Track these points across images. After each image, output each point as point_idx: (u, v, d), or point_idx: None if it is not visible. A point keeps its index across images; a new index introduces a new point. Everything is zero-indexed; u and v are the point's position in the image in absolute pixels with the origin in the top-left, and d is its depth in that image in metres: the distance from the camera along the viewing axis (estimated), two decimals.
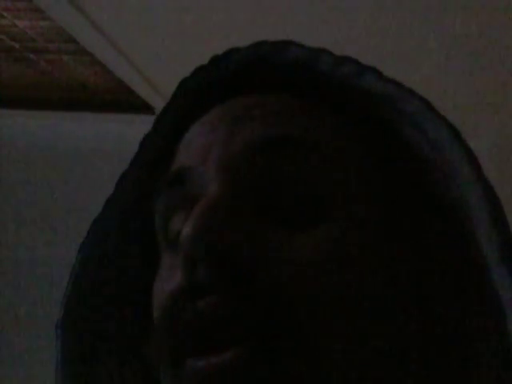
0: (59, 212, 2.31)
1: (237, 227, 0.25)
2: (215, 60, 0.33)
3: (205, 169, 0.28)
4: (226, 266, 0.24)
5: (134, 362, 0.35)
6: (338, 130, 0.30)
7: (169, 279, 0.28)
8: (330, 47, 1.51)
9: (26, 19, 1.49)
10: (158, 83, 1.84)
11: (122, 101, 2.13)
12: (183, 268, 0.25)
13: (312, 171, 0.27)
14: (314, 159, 0.28)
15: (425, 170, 0.30)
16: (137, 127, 2.27)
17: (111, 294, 0.35)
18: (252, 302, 0.24)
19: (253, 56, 0.33)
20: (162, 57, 1.64)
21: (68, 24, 1.43)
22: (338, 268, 0.26)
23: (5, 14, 1.46)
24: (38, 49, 1.70)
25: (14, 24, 1.52)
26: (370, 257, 0.27)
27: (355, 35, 1.42)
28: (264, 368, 0.23)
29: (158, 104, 2.03)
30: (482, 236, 0.27)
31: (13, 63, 1.83)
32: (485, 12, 1.28)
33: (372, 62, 1.57)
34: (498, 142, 2.18)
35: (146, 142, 0.34)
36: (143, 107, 2.13)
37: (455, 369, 0.29)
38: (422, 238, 0.31)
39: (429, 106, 0.29)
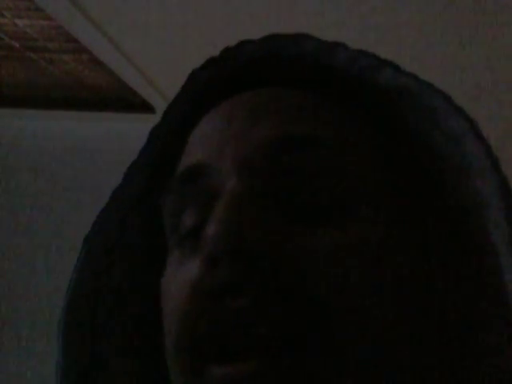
0: (59, 212, 2.31)
1: (262, 226, 0.24)
2: (227, 52, 0.33)
3: (221, 164, 0.27)
4: (254, 266, 0.23)
5: (136, 362, 0.34)
6: (351, 127, 0.30)
7: (185, 278, 0.26)
8: None
9: (26, 18, 1.49)
10: (159, 82, 1.84)
11: (122, 100, 2.13)
12: (206, 267, 0.24)
13: (331, 169, 0.27)
14: (332, 157, 0.27)
15: (438, 163, 0.30)
16: (137, 127, 2.27)
17: (114, 289, 0.34)
18: (282, 304, 0.23)
19: (265, 49, 0.32)
20: (163, 56, 1.64)
21: (68, 23, 1.43)
22: (362, 265, 0.25)
23: (5, 13, 1.46)
24: (38, 48, 1.69)
25: (14, 23, 1.52)
26: (389, 253, 0.27)
27: (354, 35, 1.42)
28: (296, 373, 0.22)
29: (159, 103, 2.02)
30: (491, 223, 0.26)
31: (13, 62, 1.83)
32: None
33: None
34: (498, 141, 2.18)
35: (154, 134, 0.33)
36: (143, 106, 2.13)
37: (461, 357, 0.28)
38: (433, 229, 0.30)
39: (448, 100, 0.28)
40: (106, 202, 0.33)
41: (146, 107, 2.13)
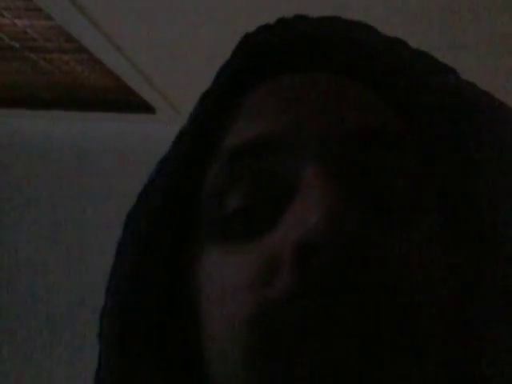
0: (59, 211, 2.30)
1: (359, 220, 0.22)
2: (283, 22, 0.30)
3: (299, 141, 0.25)
4: (359, 261, 0.21)
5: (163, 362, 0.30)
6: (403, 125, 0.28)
7: (244, 265, 0.24)
8: None
9: (25, 18, 1.49)
10: (159, 82, 1.84)
11: (122, 100, 2.13)
12: (298, 256, 0.21)
13: (409, 169, 0.26)
14: (410, 156, 0.26)
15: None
16: (137, 127, 2.27)
17: (148, 284, 0.30)
18: (376, 306, 0.22)
19: (321, 29, 0.30)
20: (163, 56, 1.64)
21: (68, 23, 1.42)
22: (438, 271, 0.24)
23: (5, 13, 1.45)
24: (38, 48, 1.69)
25: (14, 23, 1.52)
26: (446, 254, 0.26)
27: None
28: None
29: (159, 103, 2.02)
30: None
31: (13, 62, 1.83)
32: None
33: None
34: None
35: (205, 98, 0.29)
36: (143, 107, 2.13)
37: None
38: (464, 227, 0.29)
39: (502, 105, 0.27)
40: (137, 197, 0.30)
41: (146, 107, 2.13)
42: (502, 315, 0.27)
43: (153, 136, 2.18)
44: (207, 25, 1.42)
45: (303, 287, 0.22)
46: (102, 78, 1.92)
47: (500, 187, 0.27)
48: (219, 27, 1.42)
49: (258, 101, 0.28)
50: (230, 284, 0.24)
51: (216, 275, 0.25)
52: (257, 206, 0.25)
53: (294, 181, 0.24)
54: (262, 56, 0.31)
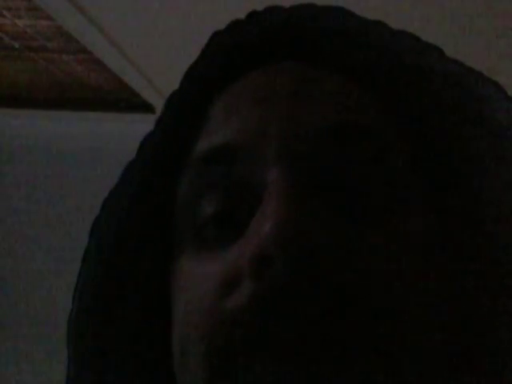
0: (59, 211, 2.30)
1: (320, 225, 0.22)
2: (253, 16, 0.29)
3: (263, 149, 0.24)
4: (310, 271, 0.21)
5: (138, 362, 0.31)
6: (386, 116, 0.27)
7: (214, 271, 0.24)
8: None
9: (25, 18, 1.49)
10: (159, 82, 1.84)
11: (122, 100, 2.13)
12: (255, 267, 0.21)
13: (382, 165, 0.25)
14: (383, 151, 0.25)
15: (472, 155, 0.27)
16: (137, 127, 2.27)
17: (122, 284, 0.31)
18: (346, 308, 0.21)
19: (295, 18, 0.28)
20: (163, 56, 1.64)
21: (68, 23, 1.42)
22: (413, 266, 0.23)
23: (5, 12, 1.45)
24: (38, 48, 1.69)
25: (14, 23, 1.52)
26: (429, 250, 0.25)
27: None
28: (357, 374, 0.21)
29: (159, 103, 2.02)
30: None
31: (12, 62, 1.83)
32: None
33: None
34: None
35: (172, 101, 0.29)
36: (143, 106, 2.13)
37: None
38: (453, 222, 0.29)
39: (500, 89, 0.26)
40: (105, 198, 0.30)
41: (146, 107, 2.13)
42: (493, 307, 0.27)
43: None
44: (208, 25, 1.41)
45: (258, 299, 0.21)
46: (102, 78, 1.92)
47: (493, 177, 0.27)
48: (219, 27, 1.42)
49: (226, 104, 0.27)
50: (197, 294, 0.24)
51: (186, 284, 0.26)
52: (228, 213, 0.25)
53: (261, 186, 0.24)
54: (234, 53, 0.30)
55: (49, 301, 2.23)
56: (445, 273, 0.25)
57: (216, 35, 0.29)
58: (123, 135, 2.30)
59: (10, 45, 1.67)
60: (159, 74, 1.76)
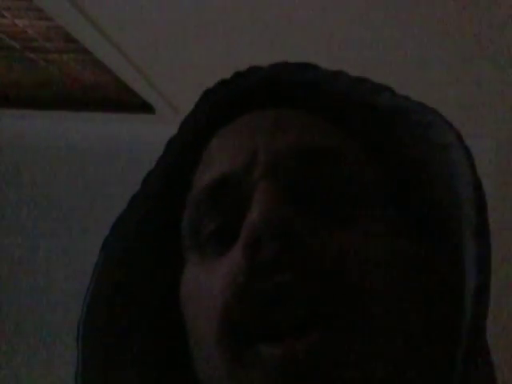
0: (59, 212, 2.31)
1: (297, 214, 0.27)
2: (238, 76, 0.36)
3: (253, 172, 0.30)
4: (296, 246, 0.26)
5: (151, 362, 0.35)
6: (355, 144, 0.34)
7: (217, 273, 0.29)
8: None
9: (26, 18, 1.49)
10: (159, 83, 1.84)
11: (122, 100, 2.13)
12: (247, 249, 0.26)
13: (348, 178, 0.30)
14: (349, 168, 0.31)
15: (427, 169, 0.34)
16: (137, 127, 2.27)
17: (131, 295, 0.35)
18: (320, 281, 0.26)
19: (273, 74, 0.36)
20: (163, 56, 1.64)
21: (68, 23, 1.43)
22: (381, 256, 0.29)
23: (5, 13, 1.46)
24: (38, 48, 1.69)
25: (14, 23, 1.52)
26: (395, 244, 0.30)
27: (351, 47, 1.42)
28: (340, 349, 0.25)
29: (158, 104, 2.02)
30: (464, 216, 0.30)
31: (13, 62, 1.83)
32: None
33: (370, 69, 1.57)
34: (498, 141, 2.18)
35: (170, 145, 0.35)
36: (143, 107, 2.13)
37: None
38: (424, 232, 0.34)
39: (439, 115, 0.32)
40: (124, 208, 0.35)
41: (145, 107, 2.13)
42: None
43: (152, 136, 2.19)
44: (207, 25, 1.42)
45: (255, 273, 0.26)
46: (102, 79, 1.92)
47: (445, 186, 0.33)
48: (219, 27, 1.42)
49: (218, 141, 0.34)
50: (206, 289, 0.29)
51: (194, 288, 0.31)
52: (227, 229, 0.30)
53: (251, 200, 0.29)
54: (223, 105, 0.37)
55: (51, 303, 2.23)
56: (406, 255, 0.31)
57: (206, 92, 0.36)
58: (123, 135, 2.30)
59: (10, 45, 1.67)
60: (159, 74, 1.77)
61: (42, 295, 2.26)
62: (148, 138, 2.21)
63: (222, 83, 0.36)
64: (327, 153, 0.31)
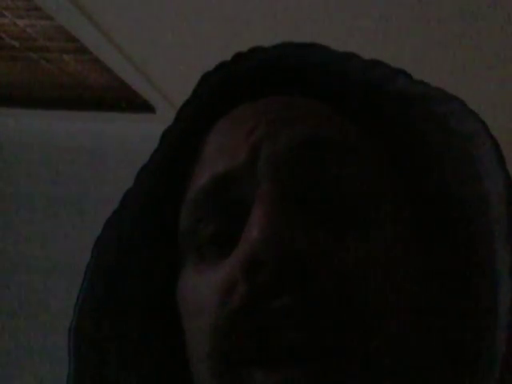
0: (59, 211, 2.31)
1: (300, 229, 0.25)
2: (239, 57, 0.33)
3: (255, 169, 0.28)
4: (295, 268, 0.24)
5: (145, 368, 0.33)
6: (365, 137, 0.31)
7: (212, 283, 0.27)
8: None
9: (26, 18, 1.49)
10: (159, 82, 1.84)
11: (123, 100, 2.13)
12: (244, 268, 0.24)
13: (357, 175, 0.28)
14: (352, 162, 0.28)
15: (447, 163, 0.31)
16: (137, 127, 2.27)
17: (126, 295, 0.33)
18: (321, 306, 0.24)
19: (277, 56, 0.33)
20: (163, 56, 1.64)
21: (68, 23, 1.43)
22: (389, 270, 0.26)
23: (5, 13, 1.46)
24: (39, 48, 1.69)
25: (14, 23, 1.52)
26: (405, 256, 0.28)
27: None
28: (340, 379, 0.23)
29: (159, 103, 2.02)
30: (492, 218, 0.27)
31: (13, 62, 1.83)
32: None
33: None
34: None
35: (166, 136, 0.33)
36: (144, 106, 2.13)
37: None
38: (439, 234, 0.31)
39: (463, 104, 0.29)
40: (117, 205, 0.33)
41: (146, 107, 2.13)
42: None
43: (153, 136, 2.18)
44: (207, 24, 1.42)
45: (251, 299, 0.24)
46: (102, 78, 1.92)
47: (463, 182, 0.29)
48: (219, 26, 1.42)
49: (217, 135, 0.31)
50: (200, 300, 0.27)
51: (190, 295, 0.29)
52: (226, 232, 0.28)
53: (253, 202, 0.27)
54: (223, 90, 0.34)
55: (48, 301, 2.23)
56: (414, 263, 0.28)
57: (205, 76, 0.33)
58: (123, 135, 2.30)
59: (10, 45, 1.67)
60: (159, 74, 1.77)
61: (38, 292, 2.26)
62: (148, 137, 2.21)
63: (222, 66, 0.33)
64: (337, 148, 0.28)
